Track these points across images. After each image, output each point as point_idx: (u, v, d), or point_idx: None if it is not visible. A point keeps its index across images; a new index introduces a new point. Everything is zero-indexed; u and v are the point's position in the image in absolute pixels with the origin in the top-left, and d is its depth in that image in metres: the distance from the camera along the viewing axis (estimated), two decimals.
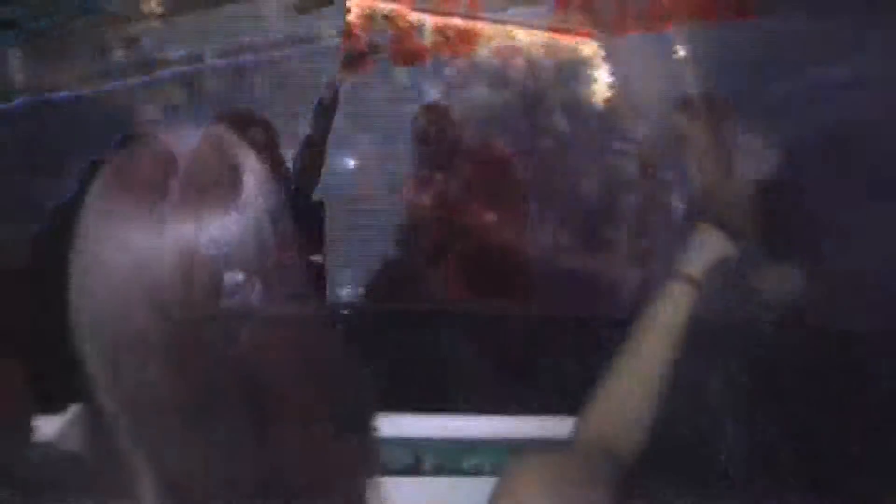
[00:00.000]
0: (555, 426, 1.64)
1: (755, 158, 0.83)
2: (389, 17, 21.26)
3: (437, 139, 14.32)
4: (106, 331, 0.75)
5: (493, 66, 19.06)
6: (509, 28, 20.68)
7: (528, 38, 21.11)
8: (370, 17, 21.41)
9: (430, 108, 15.73)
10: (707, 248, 1.15)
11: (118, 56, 18.38)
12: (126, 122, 16.25)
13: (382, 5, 20.95)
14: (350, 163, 14.57)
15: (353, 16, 21.77)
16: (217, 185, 0.77)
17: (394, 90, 16.85)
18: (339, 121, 15.61)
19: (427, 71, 18.75)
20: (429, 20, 19.91)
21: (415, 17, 19.98)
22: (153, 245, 0.74)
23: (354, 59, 18.76)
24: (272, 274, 0.79)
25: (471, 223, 13.08)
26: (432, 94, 16.34)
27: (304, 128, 15.47)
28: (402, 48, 18.89)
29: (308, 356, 0.85)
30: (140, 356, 0.75)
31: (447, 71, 17.83)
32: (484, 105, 16.25)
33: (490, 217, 13.02)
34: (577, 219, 13.11)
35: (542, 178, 13.55)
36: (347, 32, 20.68)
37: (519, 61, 19.38)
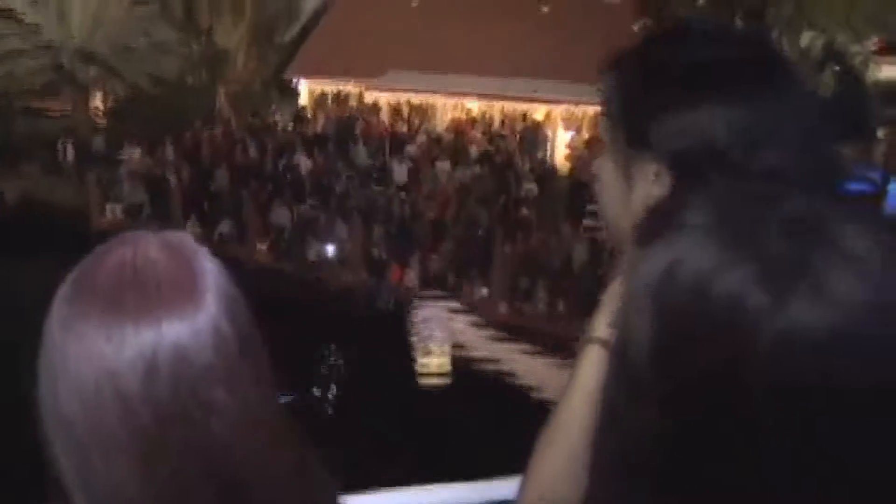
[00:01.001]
0: (495, 489, 1.67)
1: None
2: (340, 99, 21.23)
3: (414, 219, 14.21)
4: (74, 433, 0.77)
5: (452, 139, 19.10)
6: (462, 99, 20.83)
7: (482, 107, 21.28)
8: (322, 99, 21.33)
9: (403, 188, 15.67)
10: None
11: (69, 155, 17.84)
12: (83, 223, 15.71)
13: (332, 87, 20.95)
14: (331, 251, 14.32)
15: (304, 99, 21.63)
16: (175, 293, 0.77)
17: (358, 172, 16.75)
18: (310, 210, 15.28)
19: (386, 149, 18.67)
20: (382, 98, 19.96)
21: (369, 96, 20.01)
22: (115, 352, 0.75)
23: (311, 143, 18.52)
24: (237, 377, 0.79)
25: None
26: (400, 172, 16.28)
27: (276, 218, 15.09)
28: (361, 127, 18.81)
29: (278, 450, 0.85)
30: (110, 457, 0.76)
31: (409, 149, 17.83)
32: (452, 180, 16.25)
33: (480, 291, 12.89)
34: (566, 287, 13.11)
35: (524, 248, 13.53)
36: (300, 116, 20.52)
37: (476, 134, 19.47)
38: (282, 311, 14.27)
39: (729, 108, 0.94)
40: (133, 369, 0.74)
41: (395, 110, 19.70)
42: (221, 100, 20.30)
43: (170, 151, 17.31)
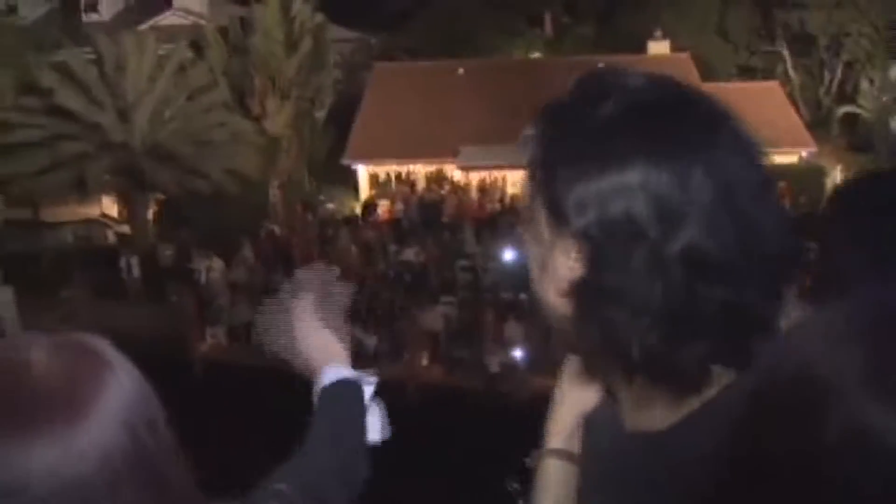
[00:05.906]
0: None
1: None
2: (405, 182, 19.15)
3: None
4: None
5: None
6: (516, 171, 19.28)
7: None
8: (385, 183, 19.17)
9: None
10: (572, 405, 1.00)
11: (135, 272, 15.18)
12: None
13: (396, 168, 18.83)
14: (519, 355, 12.22)
15: (363, 185, 19.26)
16: (53, 409, 0.65)
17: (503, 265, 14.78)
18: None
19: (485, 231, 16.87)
20: (473, 177, 18.12)
21: (460, 174, 18.13)
22: None
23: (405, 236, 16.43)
24: (123, 492, 0.67)
25: None
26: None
27: (427, 323, 12.93)
28: (456, 208, 16.91)
29: None
30: None
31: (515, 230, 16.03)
32: None
33: None
34: None
35: None
36: (369, 206, 18.02)
37: None
38: (468, 435, 12.10)
39: (653, 170, 0.74)
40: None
41: (481, 189, 17.86)
42: (274, 192, 17.87)
43: (249, 255, 14.87)
